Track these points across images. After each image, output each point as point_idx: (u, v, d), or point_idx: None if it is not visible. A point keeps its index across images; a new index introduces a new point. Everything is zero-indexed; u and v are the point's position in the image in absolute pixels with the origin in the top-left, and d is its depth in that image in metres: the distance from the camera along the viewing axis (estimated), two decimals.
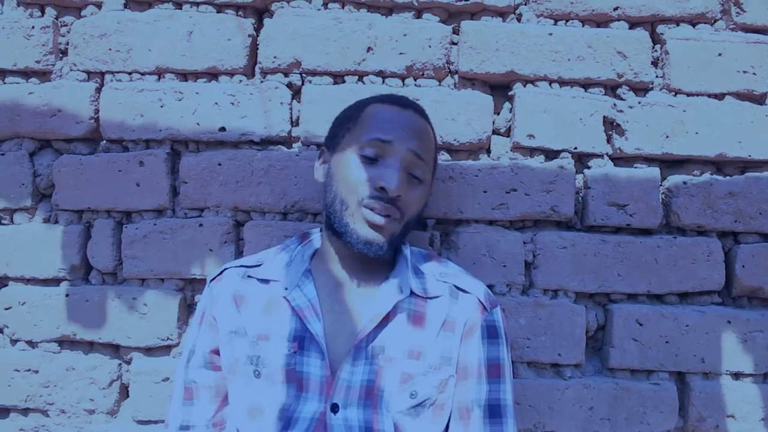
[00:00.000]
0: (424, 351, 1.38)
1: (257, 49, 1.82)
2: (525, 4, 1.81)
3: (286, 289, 1.42)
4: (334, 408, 1.31)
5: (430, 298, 1.44)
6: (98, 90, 1.81)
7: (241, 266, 1.51)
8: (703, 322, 1.75)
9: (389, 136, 1.40)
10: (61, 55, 1.84)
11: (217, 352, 1.46)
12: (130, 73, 1.82)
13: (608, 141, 1.80)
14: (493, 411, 1.39)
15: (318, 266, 1.49)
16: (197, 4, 1.81)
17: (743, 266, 1.76)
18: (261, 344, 1.37)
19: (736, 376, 1.78)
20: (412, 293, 1.43)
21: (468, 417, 1.39)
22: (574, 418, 1.75)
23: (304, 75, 1.81)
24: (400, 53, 1.78)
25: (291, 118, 1.80)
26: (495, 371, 1.42)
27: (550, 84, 1.80)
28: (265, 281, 1.47)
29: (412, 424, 1.34)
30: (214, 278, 1.51)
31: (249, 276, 1.48)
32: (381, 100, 1.50)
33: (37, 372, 1.79)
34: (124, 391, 1.83)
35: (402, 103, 1.49)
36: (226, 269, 1.51)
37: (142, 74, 1.81)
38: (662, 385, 1.76)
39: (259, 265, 1.50)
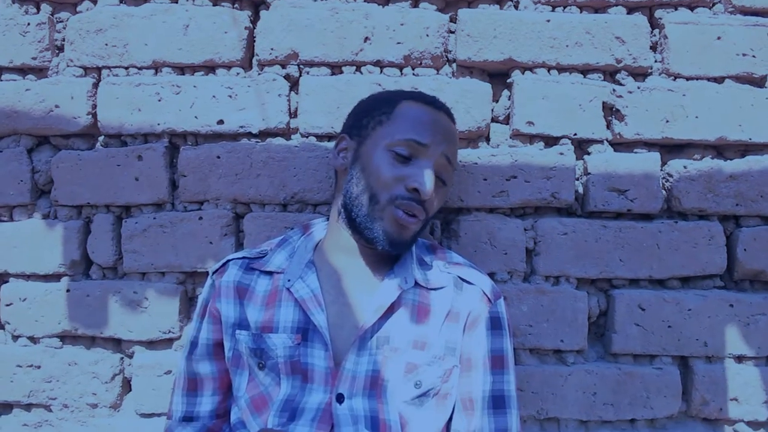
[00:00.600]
0: (429, 341, 1.38)
1: (254, 41, 1.81)
2: None
3: (289, 280, 1.42)
4: (340, 398, 1.32)
5: (435, 289, 1.45)
6: (95, 85, 1.81)
7: (244, 258, 1.50)
8: (705, 306, 1.75)
9: (426, 139, 1.40)
10: (57, 51, 1.83)
11: (220, 343, 1.46)
12: (126, 68, 1.81)
13: (608, 127, 1.80)
14: (497, 402, 1.40)
15: (321, 257, 1.49)
16: None
17: (745, 249, 1.76)
18: (264, 336, 1.37)
19: (739, 359, 1.78)
20: (416, 284, 1.43)
21: (472, 408, 1.40)
22: (577, 403, 1.75)
23: (301, 66, 1.80)
24: (398, 43, 1.77)
25: (289, 109, 1.79)
26: (498, 362, 1.42)
27: (548, 71, 1.79)
28: (268, 273, 1.47)
29: (416, 414, 1.35)
30: (216, 270, 1.51)
31: (251, 268, 1.48)
32: (413, 98, 1.49)
33: (39, 367, 1.79)
34: (127, 385, 1.83)
35: (434, 103, 1.49)
36: (228, 261, 1.51)
37: (139, 69, 1.81)
38: (665, 369, 1.76)
39: (261, 257, 1.50)
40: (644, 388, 1.75)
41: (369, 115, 1.49)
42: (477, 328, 1.43)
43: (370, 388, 1.33)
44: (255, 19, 1.82)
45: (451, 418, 1.41)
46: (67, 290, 1.79)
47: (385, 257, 1.47)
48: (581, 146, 1.81)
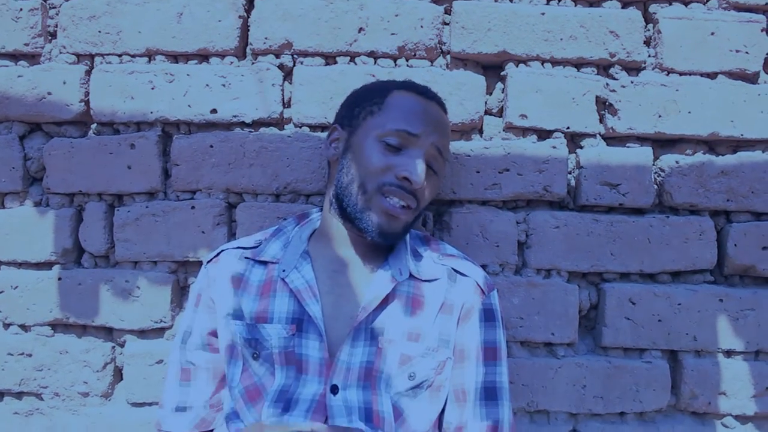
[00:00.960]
0: (423, 333, 1.38)
1: (248, 30, 1.80)
2: None
3: (284, 270, 1.41)
4: (334, 389, 1.32)
5: (429, 281, 1.45)
6: (88, 73, 1.80)
7: (239, 248, 1.50)
8: (695, 301, 1.76)
9: (417, 130, 1.40)
10: (50, 38, 1.82)
11: (214, 333, 1.46)
12: (120, 56, 1.80)
13: (601, 121, 1.80)
14: (489, 393, 1.41)
15: (316, 248, 1.49)
16: None
17: (735, 245, 1.77)
18: (259, 326, 1.37)
19: (728, 353, 1.79)
20: (410, 276, 1.43)
21: (464, 399, 1.40)
22: (568, 396, 1.76)
23: (295, 56, 1.80)
24: (392, 34, 1.77)
25: (283, 99, 1.79)
26: (491, 354, 1.43)
27: (542, 64, 1.79)
28: (263, 263, 1.46)
29: (410, 405, 1.35)
30: (210, 260, 1.50)
31: (246, 258, 1.48)
32: (404, 87, 1.49)
33: (30, 356, 1.79)
34: (118, 374, 1.83)
35: (425, 93, 1.49)
36: (223, 251, 1.50)
37: (132, 56, 1.80)
38: (655, 363, 1.77)
39: (256, 247, 1.49)
40: (634, 382, 1.76)
41: (360, 105, 1.49)
42: (470, 320, 1.44)
43: (365, 380, 1.33)
44: (249, 7, 1.81)
45: (444, 410, 1.42)
46: (59, 278, 1.79)
47: (379, 248, 1.47)
48: (574, 140, 1.81)
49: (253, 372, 1.37)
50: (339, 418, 1.29)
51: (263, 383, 1.35)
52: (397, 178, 1.37)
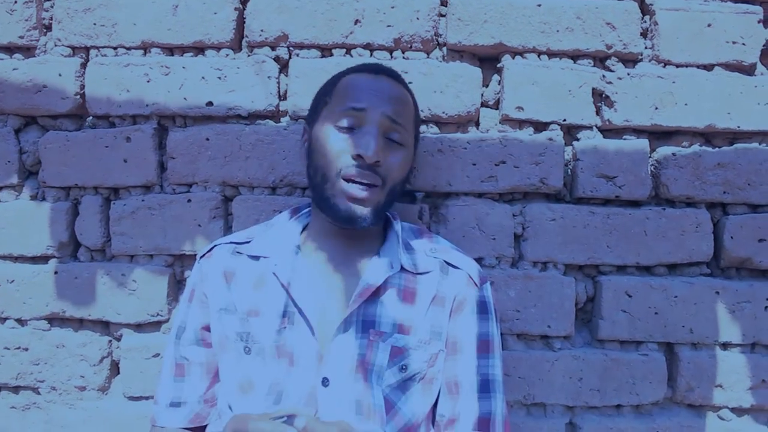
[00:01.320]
0: (415, 326, 1.38)
1: (244, 22, 1.79)
2: None
3: (276, 265, 1.41)
4: (325, 382, 1.31)
5: (421, 273, 1.44)
6: (83, 65, 1.80)
7: (231, 242, 1.50)
8: (691, 293, 1.76)
9: (362, 104, 1.39)
10: (45, 31, 1.82)
11: (208, 328, 1.46)
12: (115, 48, 1.80)
13: (597, 113, 1.79)
14: (482, 386, 1.40)
15: (308, 241, 1.49)
16: None
17: (732, 237, 1.77)
18: (251, 320, 1.37)
19: (724, 346, 1.79)
20: (402, 269, 1.43)
21: (457, 392, 1.39)
22: (564, 389, 1.76)
23: (291, 48, 1.79)
24: (388, 26, 1.76)
25: (279, 92, 1.79)
26: (484, 347, 1.43)
27: (538, 56, 1.78)
28: (255, 257, 1.46)
29: (402, 398, 1.35)
30: (203, 255, 1.50)
31: (239, 252, 1.47)
32: (355, 70, 1.49)
33: (27, 350, 1.79)
34: (115, 368, 1.83)
35: (375, 69, 1.48)
36: (215, 246, 1.50)
37: (128, 49, 1.79)
38: (651, 355, 1.77)
39: (248, 242, 1.49)
40: (630, 375, 1.76)
41: (318, 99, 1.51)
42: (463, 312, 1.43)
43: (356, 372, 1.33)
44: None
45: (436, 402, 1.42)
46: (55, 272, 1.79)
47: (370, 240, 1.48)
48: (570, 132, 1.81)
49: (245, 365, 1.37)
50: (330, 410, 1.29)
51: (255, 376, 1.35)
52: (352, 158, 1.36)
